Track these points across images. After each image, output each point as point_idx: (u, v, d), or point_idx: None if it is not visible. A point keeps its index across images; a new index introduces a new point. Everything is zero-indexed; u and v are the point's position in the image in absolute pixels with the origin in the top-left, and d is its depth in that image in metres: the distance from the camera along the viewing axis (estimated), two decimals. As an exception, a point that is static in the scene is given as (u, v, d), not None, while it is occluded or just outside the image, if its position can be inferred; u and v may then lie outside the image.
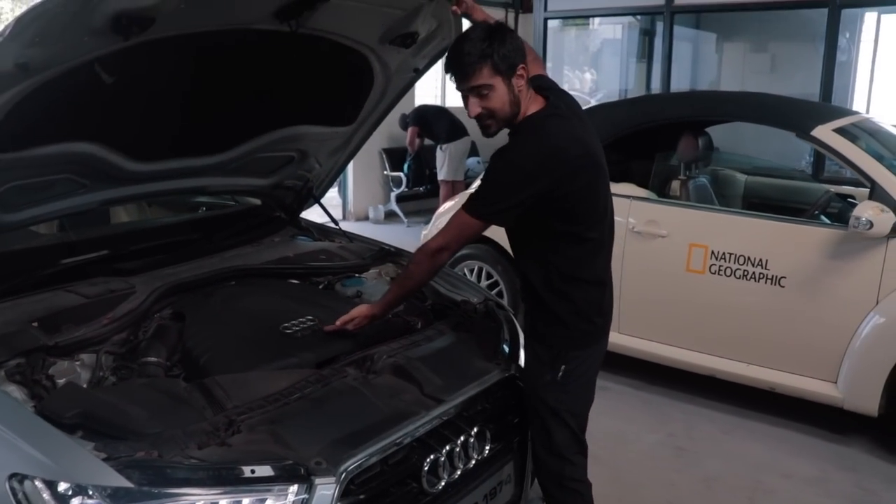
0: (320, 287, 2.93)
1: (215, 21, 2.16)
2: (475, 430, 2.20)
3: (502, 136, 2.32)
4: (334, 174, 3.47)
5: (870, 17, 9.28)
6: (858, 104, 9.03)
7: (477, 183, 2.20)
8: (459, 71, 2.16)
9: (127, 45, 1.97)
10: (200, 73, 2.43)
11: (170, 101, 2.46)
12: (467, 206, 2.22)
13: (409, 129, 8.71)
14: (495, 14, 10.53)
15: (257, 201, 3.53)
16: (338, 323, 2.40)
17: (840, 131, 3.89)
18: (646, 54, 9.50)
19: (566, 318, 2.32)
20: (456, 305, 2.82)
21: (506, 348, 2.59)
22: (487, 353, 2.54)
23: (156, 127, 2.54)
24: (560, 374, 2.31)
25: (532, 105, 2.23)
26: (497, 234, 4.68)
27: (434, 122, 8.63)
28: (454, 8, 2.54)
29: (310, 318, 2.48)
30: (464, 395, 2.25)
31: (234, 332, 2.38)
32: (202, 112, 2.62)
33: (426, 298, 2.94)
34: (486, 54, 2.11)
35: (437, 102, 9.93)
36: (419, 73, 2.89)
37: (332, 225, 3.57)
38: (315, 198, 3.49)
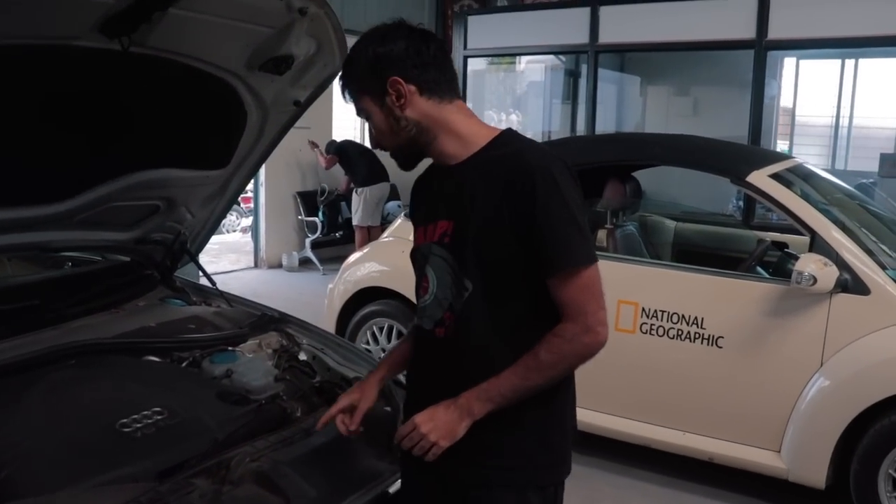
0: (184, 365, 2.43)
1: (17, 33, 1.69)
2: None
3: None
4: (212, 225, 3.01)
5: (789, 61, 9.33)
6: (781, 147, 9.01)
7: (555, 222, 1.57)
8: (342, 93, 1.75)
9: None
10: (19, 102, 1.95)
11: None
12: (586, 257, 1.59)
13: (329, 157, 8.43)
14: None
15: (126, 257, 3.02)
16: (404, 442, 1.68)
17: (776, 177, 3.61)
18: (570, 95, 9.32)
19: (550, 435, 1.72)
20: (347, 383, 2.39)
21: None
22: (380, 449, 2.09)
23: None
24: None
25: (481, 129, 1.72)
26: (407, 288, 4.30)
27: (354, 162, 8.33)
28: None
29: (157, 409, 2.01)
30: (345, 510, 1.79)
31: (53, 434, 1.88)
32: (30, 151, 2.14)
33: (315, 374, 2.50)
34: (351, 70, 1.70)
35: (356, 135, 9.56)
36: (301, 106, 2.45)
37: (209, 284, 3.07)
38: (189, 254, 2.99)
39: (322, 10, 2.06)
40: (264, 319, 2.74)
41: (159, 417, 1.98)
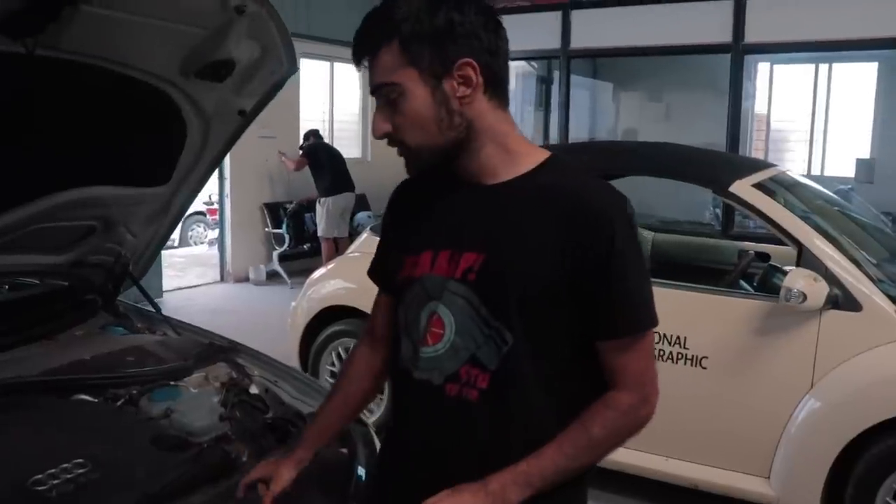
0: (119, 404, 2.19)
1: None
2: None
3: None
4: (156, 245, 2.78)
5: (763, 67, 9.26)
6: (756, 155, 8.92)
7: (630, 280, 1.31)
8: (353, 53, 1.33)
9: None
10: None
11: None
12: (653, 319, 1.34)
13: (300, 158, 8.10)
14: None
15: (63, 282, 2.77)
16: None
17: (759, 187, 3.44)
18: (543, 102, 9.16)
19: None
20: (302, 420, 2.15)
21: (361, 475, 1.95)
22: (335, 496, 1.87)
23: None
24: None
25: (530, 149, 1.40)
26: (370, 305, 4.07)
27: (323, 166, 7.98)
28: None
29: (79, 460, 1.76)
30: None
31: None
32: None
33: (267, 409, 2.27)
34: (393, 27, 1.26)
35: (325, 128, 9.24)
36: (247, 116, 2.23)
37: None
38: (132, 277, 2.75)
39: (263, 8, 1.84)
40: (212, 349, 2.51)
41: (80, 471, 1.73)
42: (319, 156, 8.05)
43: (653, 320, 1.34)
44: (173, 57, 1.91)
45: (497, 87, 1.34)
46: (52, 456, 1.76)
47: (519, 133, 1.40)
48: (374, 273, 1.59)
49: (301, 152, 8.14)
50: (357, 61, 1.33)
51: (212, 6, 1.76)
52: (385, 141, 1.38)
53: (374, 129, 1.35)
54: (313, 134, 8.22)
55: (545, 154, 1.39)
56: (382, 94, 1.31)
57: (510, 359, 1.33)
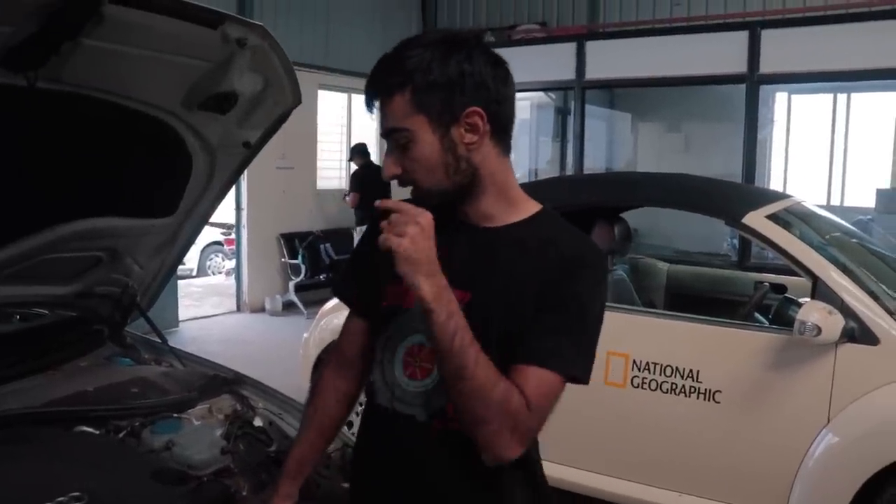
0: (121, 436, 2.17)
1: None
2: None
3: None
4: (164, 276, 2.77)
5: (781, 97, 9.20)
6: (775, 184, 8.84)
7: (566, 315, 1.32)
8: (366, 96, 1.36)
9: None
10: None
11: None
12: (569, 365, 1.32)
13: (351, 195, 8.12)
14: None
15: (72, 312, 2.78)
16: None
17: (773, 218, 3.39)
18: (559, 133, 9.16)
19: None
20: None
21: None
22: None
23: None
24: None
25: (525, 199, 1.44)
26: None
27: (368, 195, 7.77)
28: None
29: (76, 494, 1.74)
30: None
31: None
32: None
33: (271, 442, 2.25)
34: (407, 76, 1.29)
35: (342, 159, 9.28)
36: (252, 148, 2.23)
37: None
38: (139, 309, 2.74)
39: (265, 41, 1.85)
40: (217, 381, 2.49)
41: (77, 504, 1.72)
42: (364, 182, 8.01)
43: (570, 367, 1.31)
44: (176, 89, 1.91)
45: (502, 135, 1.38)
46: (48, 489, 1.74)
47: (516, 182, 1.44)
48: (347, 292, 1.58)
49: (350, 188, 8.22)
50: (369, 105, 1.36)
51: (213, 39, 1.77)
52: None
53: (385, 171, 1.38)
54: (359, 152, 8.24)
55: (537, 206, 1.43)
56: (393, 139, 1.34)
57: None
